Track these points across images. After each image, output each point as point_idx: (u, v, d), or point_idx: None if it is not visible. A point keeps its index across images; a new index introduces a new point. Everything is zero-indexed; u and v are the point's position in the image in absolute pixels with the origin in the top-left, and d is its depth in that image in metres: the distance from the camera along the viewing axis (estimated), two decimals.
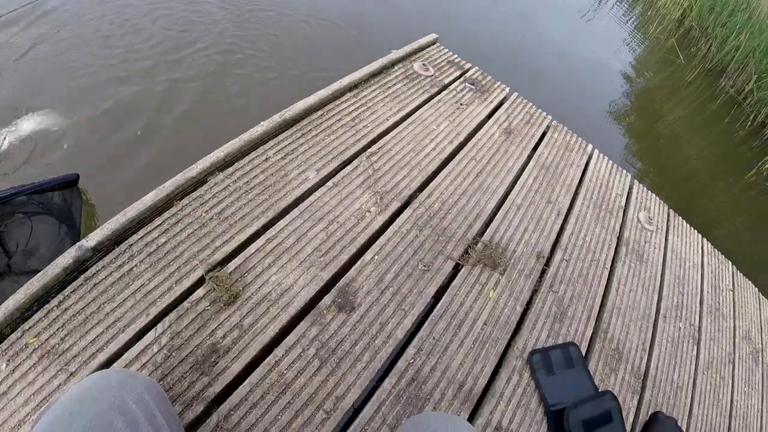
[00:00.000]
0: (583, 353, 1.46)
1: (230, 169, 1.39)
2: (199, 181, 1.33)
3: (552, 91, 4.46)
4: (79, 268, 1.06)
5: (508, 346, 1.39)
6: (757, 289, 2.27)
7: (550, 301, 1.53)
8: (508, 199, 1.74)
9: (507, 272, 1.52)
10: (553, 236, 1.72)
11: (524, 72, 4.53)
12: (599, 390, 1.39)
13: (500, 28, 5.22)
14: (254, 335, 1.10)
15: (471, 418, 1.22)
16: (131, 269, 1.09)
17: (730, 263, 2.24)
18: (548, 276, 1.60)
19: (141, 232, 1.16)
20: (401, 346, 1.26)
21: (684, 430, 1.50)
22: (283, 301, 1.19)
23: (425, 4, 4.76)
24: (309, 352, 1.13)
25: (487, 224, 1.63)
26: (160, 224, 1.19)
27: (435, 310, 1.35)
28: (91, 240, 1.07)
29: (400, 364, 1.22)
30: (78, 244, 1.04)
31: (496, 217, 1.66)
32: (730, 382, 1.77)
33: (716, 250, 2.23)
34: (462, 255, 1.50)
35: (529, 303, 1.51)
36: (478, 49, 4.35)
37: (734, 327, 1.97)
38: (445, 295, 1.39)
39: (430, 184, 1.65)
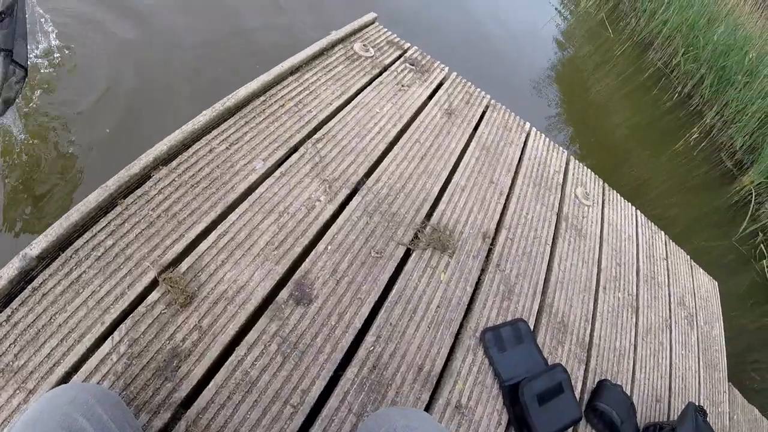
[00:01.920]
0: (531, 328, 1.56)
1: (174, 163, 1.35)
2: (143, 177, 1.29)
3: (487, 62, 4.56)
4: (24, 278, 1.02)
5: (461, 326, 1.46)
6: (689, 257, 2.47)
7: (497, 280, 1.62)
8: (452, 181, 1.80)
9: (456, 254, 1.59)
10: (497, 216, 1.81)
11: (460, 42, 4.60)
12: (549, 363, 1.50)
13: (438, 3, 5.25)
14: (214, 336, 1.10)
15: (431, 399, 1.29)
16: (80, 276, 1.05)
17: (662, 233, 2.43)
18: (494, 255, 1.68)
19: (86, 236, 1.12)
20: (360, 334, 1.29)
21: (629, 394, 1.64)
22: (240, 298, 1.19)
23: None
24: (271, 349, 1.14)
25: (433, 207, 1.69)
26: (106, 226, 1.15)
27: (390, 296, 1.40)
28: (35, 248, 1.02)
29: (361, 352, 1.26)
30: (21, 253, 1.00)
31: (442, 199, 1.72)
32: (668, 346, 1.95)
33: (650, 222, 2.41)
34: (412, 240, 1.55)
35: (478, 283, 1.59)
36: (418, 25, 4.37)
37: (669, 294, 2.16)
38: (399, 280, 1.44)
39: (377, 169, 1.68)
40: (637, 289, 2.03)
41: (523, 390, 1.36)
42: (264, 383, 1.09)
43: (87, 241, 1.11)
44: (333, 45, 2.02)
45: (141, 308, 1.06)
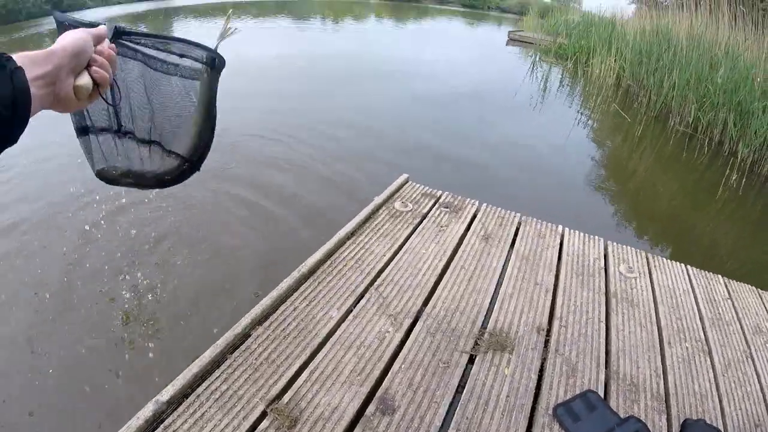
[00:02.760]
0: (603, 395, 1.71)
1: (267, 322, 1.75)
2: (245, 335, 1.69)
3: (524, 185, 4.98)
4: (157, 419, 1.38)
5: (533, 408, 1.64)
6: (754, 287, 2.53)
7: (559, 363, 1.81)
8: (499, 292, 2.09)
9: (515, 350, 1.82)
10: (547, 310, 2.04)
11: (495, 177, 5.09)
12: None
13: (463, 142, 5.95)
14: None
15: None
16: (203, 414, 1.40)
17: (720, 276, 2.54)
18: (552, 343, 1.89)
19: (205, 384, 1.49)
20: (441, 428, 1.52)
21: (719, 427, 1.69)
22: (335, 417, 1.48)
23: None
24: None
25: (487, 317, 1.96)
26: (220, 375, 1.53)
27: (462, 396, 1.63)
28: (165, 395, 1.40)
29: None
30: (154, 399, 1.37)
31: (494, 309, 2.00)
32: (755, 373, 1.98)
33: (703, 271, 2.54)
34: (473, 347, 1.81)
35: (541, 370, 1.79)
36: (449, 169, 4.99)
37: (742, 327, 2.22)
38: (468, 381, 1.68)
39: (432, 297, 2.01)
40: (704, 334, 2.12)
41: None
42: None
43: (206, 387, 1.48)
44: (378, 208, 2.49)
45: None
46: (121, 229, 3.38)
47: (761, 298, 2.50)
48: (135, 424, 1.34)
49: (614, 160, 6.48)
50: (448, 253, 2.26)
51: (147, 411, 1.37)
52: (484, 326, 1.92)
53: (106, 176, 1.16)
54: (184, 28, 16.40)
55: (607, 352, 1.92)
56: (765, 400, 1.89)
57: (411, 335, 1.82)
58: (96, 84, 0.72)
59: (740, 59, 7.07)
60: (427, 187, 2.74)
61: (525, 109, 7.90)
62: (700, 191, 5.49)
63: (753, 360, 2.06)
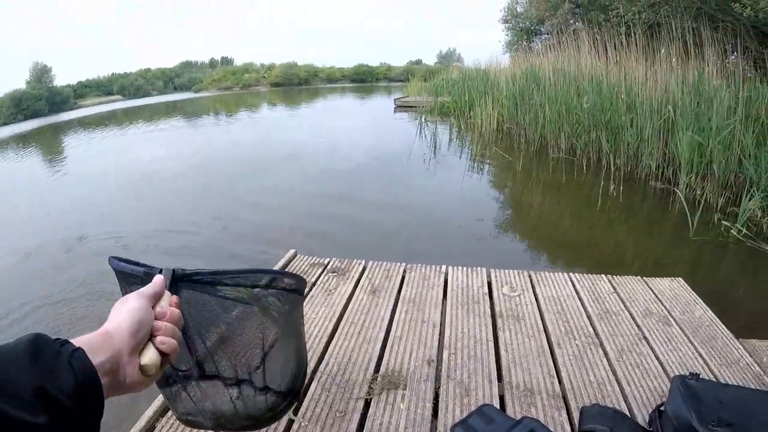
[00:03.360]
0: (499, 407, 1.84)
1: None
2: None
3: (424, 237, 5.31)
4: None
5: None
6: (639, 276, 2.80)
7: (452, 387, 1.94)
8: (389, 337, 2.23)
9: (408, 385, 1.95)
10: (436, 343, 2.20)
11: (394, 233, 5.43)
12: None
13: (364, 206, 6.29)
14: None
15: None
16: None
17: (603, 275, 2.81)
18: (443, 371, 2.03)
19: None
20: None
21: (620, 408, 1.81)
22: None
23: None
24: None
25: (379, 362, 2.09)
26: None
27: None
28: None
29: None
30: None
31: (384, 354, 2.13)
32: (650, 352, 2.16)
33: (586, 275, 2.81)
34: (368, 391, 1.92)
35: (436, 397, 1.91)
36: (349, 233, 5.28)
37: (631, 314, 2.44)
38: (366, 423, 1.78)
39: (325, 356, 2.12)
40: (594, 329, 2.32)
41: None
42: None
43: None
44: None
45: None
46: None
47: (647, 284, 2.76)
48: None
49: (504, 196, 7.06)
50: (338, 313, 2.40)
51: None
52: (377, 371, 2.04)
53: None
54: (76, 142, 16.25)
55: (499, 368, 2.07)
56: (666, 373, 2.04)
57: (307, 395, 1.91)
58: (164, 354, 0.65)
59: (603, 82, 7.97)
60: (315, 257, 2.90)
61: (419, 168, 8.43)
62: (583, 207, 6.03)
63: (647, 340, 2.25)
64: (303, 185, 7.62)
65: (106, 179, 9.25)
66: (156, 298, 0.72)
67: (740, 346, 2.21)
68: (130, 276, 0.94)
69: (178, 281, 0.89)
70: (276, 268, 2.75)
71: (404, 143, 10.46)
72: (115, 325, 0.61)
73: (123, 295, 0.79)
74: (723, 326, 2.35)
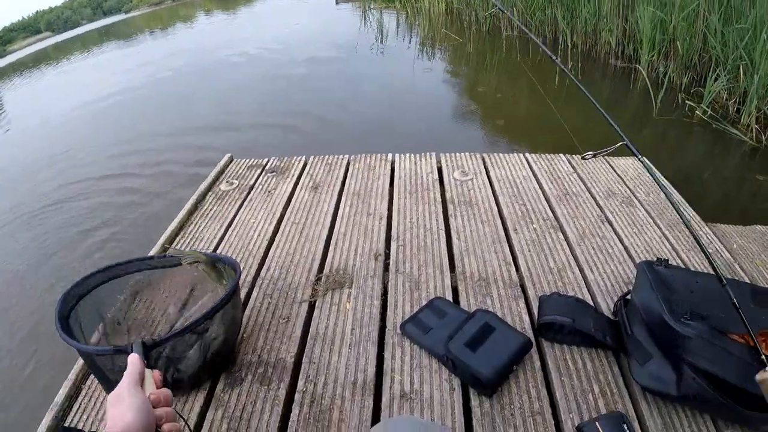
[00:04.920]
0: (452, 299, 1.76)
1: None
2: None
3: (377, 124, 5.21)
4: None
5: (381, 333, 1.67)
6: (602, 156, 2.66)
7: (401, 281, 1.86)
8: (333, 234, 2.12)
9: (354, 283, 1.86)
10: (383, 235, 2.10)
11: (348, 124, 5.28)
12: None
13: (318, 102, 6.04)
14: None
15: (376, 401, 1.47)
16: None
17: (562, 155, 2.69)
18: (392, 264, 1.94)
19: None
20: (292, 384, 1.54)
21: (582, 297, 1.72)
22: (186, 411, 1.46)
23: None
24: (222, 429, 1.40)
25: (323, 261, 1.99)
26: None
27: (306, 342, 1.65)
28: None
29: (297, 396, 1.48)
30: None
31: (328, 252, 2.03)
32: (614, 235, 2.07)
33: (544, 155, 2.68)
34: (312, 294, 1.83)
35: (384, 294, 1.83)
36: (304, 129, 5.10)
37: (592, 195, 2.34)
38: (310, 328, 1.70)
39: (266, 261, 2.01)
40: (553, 212, 2.22)
41: (448, 348, 1.48)
42: None
43: None
44: (203, 195, 2.45)
45: None
46: None
47: (609, 164, 2.61)
48: None
49: (456, 80, 6.78)
50: (278, 214, 2.27)
51: None
52: (320, 271, 1.94)
53: None
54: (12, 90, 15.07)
55: (451, 257, 1.98)
56: (632, 258, 1.93)
57: (248, 304, 1.81)
58: None
59: None
60: (252, 159, 2.72)
61: (367, 56, 8.02)
62: (541, 86, 5.80)
63: (610, 222, 2.14)
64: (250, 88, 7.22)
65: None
66: (141, 377, 0.80)
67: (709, 231, 2.10)
68: (96, 354, 1.20)
69: (150, 350, 1.08)
70: (213, 173, 2.57)
71: (349, 36, 9.91)
72: (125, 429, 0.66)
73: (91, 370, 1.25)
74: (691, 210, 2.23)
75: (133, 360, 0.83)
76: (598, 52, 6.55)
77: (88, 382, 1.58)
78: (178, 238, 2.19)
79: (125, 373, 0.79)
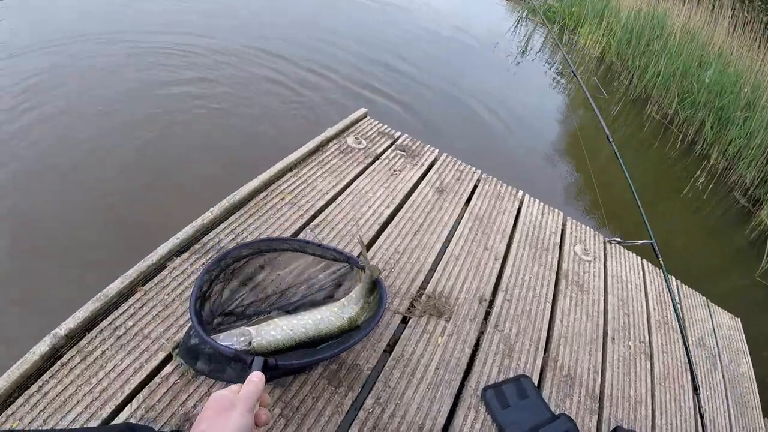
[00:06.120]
0: (536, 383, 1.68)
1: (186, 254, 1.59)
2: (159, 267, 1.53)
3: (487, 143, 4.89)
4: (54, 355, 1.23)
5: (462, 385, 1.59)
6: (705, 297, 2.56)
7: (497, 340, 1.76)
8: (446, 252, 2.00)
9: (452, 319, 1.75)
10: (493, 280, 1.98)
11: (458, 125, 4.98)
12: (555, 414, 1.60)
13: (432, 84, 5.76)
14: None
15: None
16: (103, 352, 1.27)
17: (673, 278, 2.54)
18: (492, 317, 1.83)
19: (109, 318, 1.34)
20: (361, 398, 1.44)
21: None
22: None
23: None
24: (275, 413, 1.30)
25: (428, 277, 1.87)
26: (127, 309, 1.38)
27: (388, 361, 1.55)
28: (63, 328, 1.25)
29: (361, 414, 1.40)
30: (52, 332, 1.22)
31: (437, 269, 1.91)
32: (691, 388, 2.00)
33: (658, 269, 2.53)
34: (408, 308, 1.72)
35: (477, 344, 1.73)
36: (417, 112, 4.82)
37: (687, 337, 2.21)
38: (396, 346, 1.60)
39: (373, 247, 1.89)
40: (649, 336, 2.13)
41: None
42: None
43: (110, 322, 1.34)
44: (328, 141, 2.32)
45: (157, 379, 1.26)
46: None
47: (709, 311, 2.54)
48: (30, 359, 1.20)
49: (583, 133, 6.45)
50: (397, 201, 2.14)
51: (43, 345, 1.23)
52: (423, 287, 1.83)
53: None
54: None
55: (548, 337, 1.89)
56: (695, 418, 1.91)
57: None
58: None
59: (732, 64, 7.09)
60: (386, 126, 2.58)
61: (501, 63, 7.69)
62: (666, 185, 5.57)
63: (692, 373, 2.03)
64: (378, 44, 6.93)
65: None
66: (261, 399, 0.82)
67: (763, 426, 2.12)
68: (216, 352, 1.18)
69: (268, 371, 1.04)
70: (342, 123, 2.44)
71: (491, 28, 9.48)
72: None
73: (190, 338, 1.28)
74: (757, 395, 2.25)
75: (257, 382, 0.83)
76: (728, 177, 6.15)
77: (147, 287, 1.48)
78: (289, 175, 2.08)
79: (246, 390, 0.79)
